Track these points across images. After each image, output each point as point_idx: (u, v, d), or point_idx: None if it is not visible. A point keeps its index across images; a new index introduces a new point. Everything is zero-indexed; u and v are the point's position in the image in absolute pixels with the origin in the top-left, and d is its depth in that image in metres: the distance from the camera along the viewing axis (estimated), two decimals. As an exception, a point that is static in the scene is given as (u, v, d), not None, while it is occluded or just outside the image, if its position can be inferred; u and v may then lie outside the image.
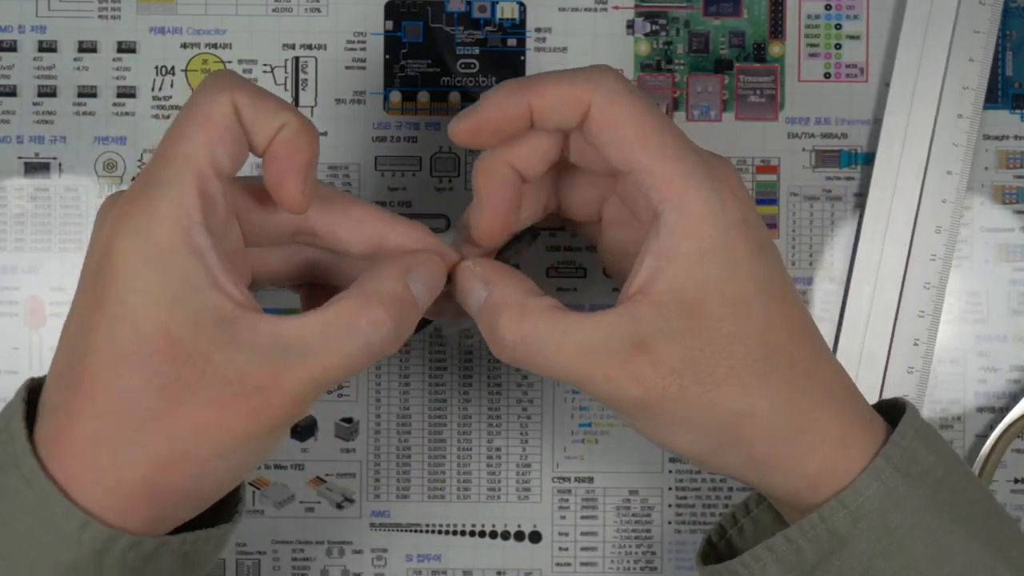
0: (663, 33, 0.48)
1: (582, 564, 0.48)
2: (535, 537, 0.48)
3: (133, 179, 0.32)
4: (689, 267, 0.32)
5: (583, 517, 0.48)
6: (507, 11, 0.48)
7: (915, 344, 0.47)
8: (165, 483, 0.31)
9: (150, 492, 0.31)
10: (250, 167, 0.40)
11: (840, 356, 0.47)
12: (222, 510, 0.36)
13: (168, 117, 0.48)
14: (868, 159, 0.48)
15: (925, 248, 0.47)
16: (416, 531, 0.48)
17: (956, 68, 0.47)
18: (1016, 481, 0.48)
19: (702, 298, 0.32)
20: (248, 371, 0.30)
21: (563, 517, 0.48)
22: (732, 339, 0.32)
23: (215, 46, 0.48)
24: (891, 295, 0.47)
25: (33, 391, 0.34)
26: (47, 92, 0.48)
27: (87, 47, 0.48)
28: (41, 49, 0.48)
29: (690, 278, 0.32)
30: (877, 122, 0.48)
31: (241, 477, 0.34)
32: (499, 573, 0.48)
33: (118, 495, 0.31)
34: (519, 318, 0.33)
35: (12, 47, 0.48)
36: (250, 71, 0.48)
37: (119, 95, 0.48)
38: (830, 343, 0.48)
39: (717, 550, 0.39)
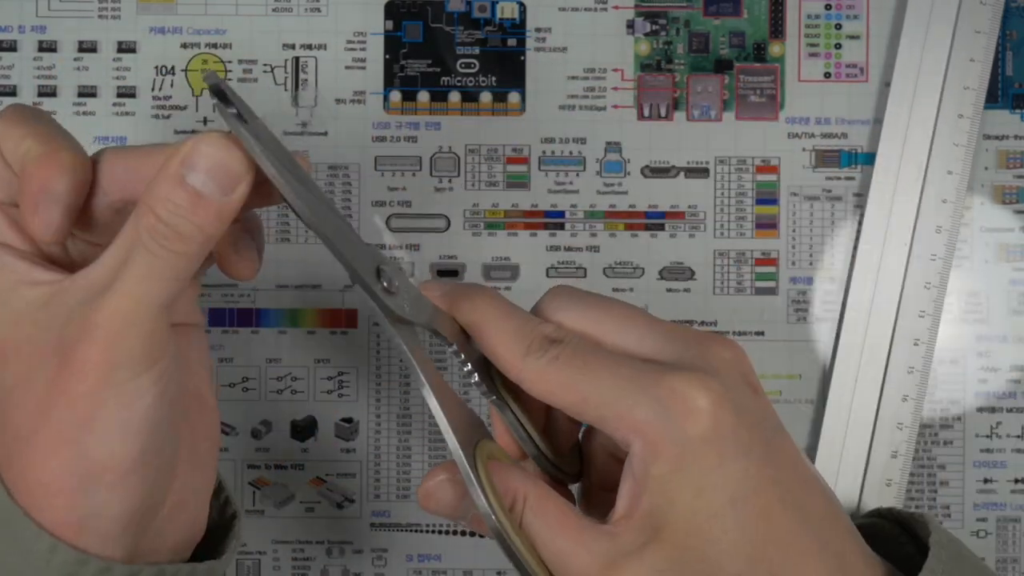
0: (663, 33, 0.48)
1: (582, 564, 0.48)
2: (535, 537, 0.48)
3: None
4: (660, 489, 0.31)
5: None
6: (507, 11, 0.48)
7: (915, 344, 0.47)
8: (80, 467, 0.30)
9: (76, 485, 0.31)
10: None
11: (840, 356, 0.47)
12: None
13: (168, 117, 0.48)
14: (868, 159, 0.48)
15: (926, 248, 0.47)
16: (416, 531, 0.48)
17: (957, 68, 0.47)
18: (1016, 481, 0.48)
19: (671, 519, 0.31)
20: (66, 332, 0.31)
21: (563, 517, 0.48)
22: (702, 558, 0.31)
23: (215, 46, 0.48)
24: (891, 295, 0.47)
25: None
26: (47, 92, 0.48)
27: (87, 47, 0.48)
28: (41, 49, 0.48)
29: (662, 500, 0.31)
30: (877, 122, 0.48)
31: (149, 440, 0.31)
32: (499, 573, 0.48)
33: (63, 502, 0.31)
34: (541, 500, 0.32)
35: (12, 47, 0.48)
36: (250, 71, 0.48)
37: (119, 95, 0.48)
38: (829, 342, 0.48)
39: None
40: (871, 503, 0.47)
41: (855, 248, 0.48)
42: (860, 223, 0.48)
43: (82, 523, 0.31)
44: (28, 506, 0.31)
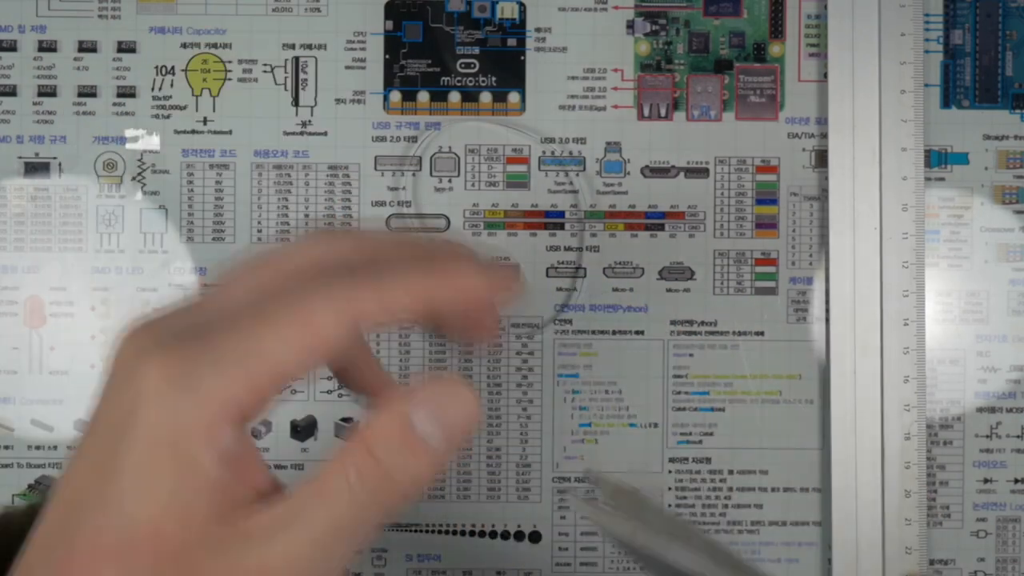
0: (663, 33, 0.48)
1: (582, 564, 0.48)
2: (535, 537, 0.48)
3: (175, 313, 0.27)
4: None
5: (583, 517, 0.48)
6: (507, 11, 0.48)
7: (905, 324, 0.47)
8: None
9: None
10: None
11: (834, 351, 0.47)
12: None
13: (168, 117, 0.48)
14: (868, 159, 0.48)
15: (896, 228, 0.47)
16: (416, 531, 0.48)
17: (889, 45, 0.47)
18: (1016, 481, 0.48)
19: None
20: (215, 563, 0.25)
21: (563, 517, 0.48)
22: None
23: (215, 46, 0.48)
24: (872, 281, 0.47)
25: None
26: (47, 92, 0.48)
27: (87, 47, 0.48)
28: (41, 49, 0.48)
29: None
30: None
31: None
32: (499, 573, 0.48)
33: None
34: None
35: (12, 47, 0.48)
36: (250, 71, 0.48)
37: (119, 95, 0.48)
38: (822, 341, 0.48)
39: None
40: (894, 480, 0.47)
41: (827, 245, 0.47)
42: (827, 218, 0.48)
43: None
44: None
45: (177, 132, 0.48)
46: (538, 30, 0.48)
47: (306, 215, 0.48)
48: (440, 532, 0.48)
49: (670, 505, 0.48)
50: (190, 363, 0.25)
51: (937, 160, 0.48)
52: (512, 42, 0.48)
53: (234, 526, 0.25)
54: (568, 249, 0.48)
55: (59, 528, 0.26)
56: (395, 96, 0.48)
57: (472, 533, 0.48)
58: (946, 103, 0.49)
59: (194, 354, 0.25)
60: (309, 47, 0.48)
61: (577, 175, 0.48)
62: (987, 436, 0.48)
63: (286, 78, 0.48)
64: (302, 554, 0.25)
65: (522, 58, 0.48)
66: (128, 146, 0.48)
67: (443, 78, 0.48)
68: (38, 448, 0.48)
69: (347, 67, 0.48)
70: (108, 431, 0.26)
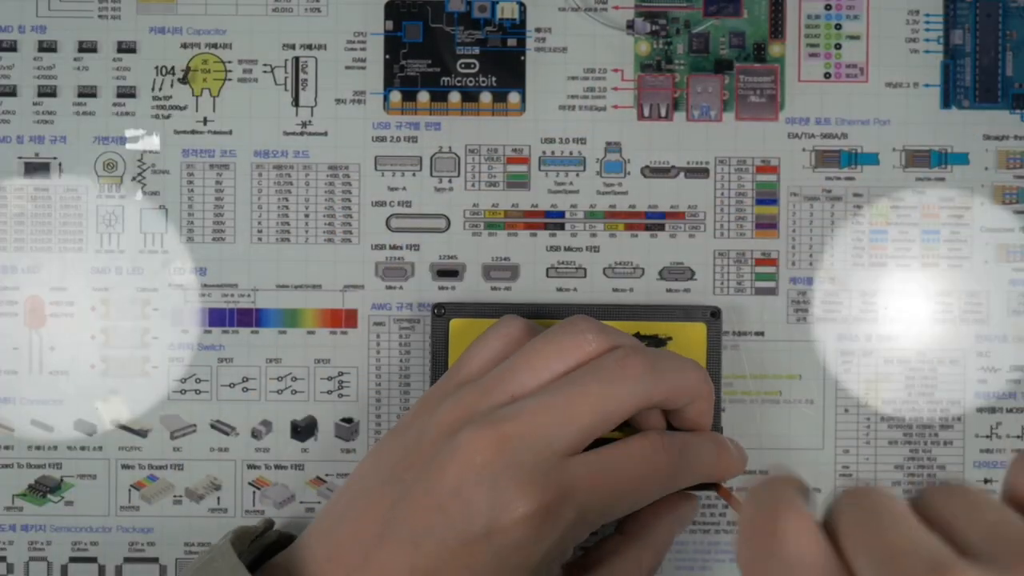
0: (663, 33, 0.48)
1: (582, 564, 0.48)
2: (535, 537, 0.48)
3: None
4: None
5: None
6: (507, 11, 0.48)
7: None
8: None
9: None
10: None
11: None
12: None
13: (168, 117, 0.48)
14: (868, 159, 0.48)
15: None
16: (416, 531, 0.48)
17: None
18: (1016, 481, 0.48)
19: None
20: None
21: (563, 517, 0.48)
22: None
23: (215, 46, 0.48)
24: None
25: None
26: (47, 92, 0.48)
27: (87, 47, 0.48)
28: (41, 49, 0.48)
29: None
30: (878, 122, 0.48)
31: None
32: (499, 573, 0.48)
33: None
34: None
35: (12, 47, 0.48)
36: (250, 71, 0.48)
37: (119, 95, 0.48)
38: (829, 342, 0.48)
39: None
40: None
41: None
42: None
43: None
44: None
45: (177, 132, 0.48)
46: (538, 30, 0.48)
47: (306, 215, 0.48)
48: (440, 532, 0.48)
49: (670, 505, 0.48)
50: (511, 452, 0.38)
51: (937, 160, 0.48)
52: (512, 42, 0.48)
53: None
54: (568, 249, 0.48)
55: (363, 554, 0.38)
56: (395, 96, 0.48)
57: (472, 533, 0.48)
58: (946, 103, 0.49)
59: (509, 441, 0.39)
60: (309, 47, 0.48)
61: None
62: (987, 436, 0.48)
63: (286, 78, 0.48)
64: None
65: (522, 58, 0.48)
66: (128, 146, 0.48)
67: (443, 78, 0.48)
68: (38, 448, 0.48)
69: (347, 67, 0.48)
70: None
